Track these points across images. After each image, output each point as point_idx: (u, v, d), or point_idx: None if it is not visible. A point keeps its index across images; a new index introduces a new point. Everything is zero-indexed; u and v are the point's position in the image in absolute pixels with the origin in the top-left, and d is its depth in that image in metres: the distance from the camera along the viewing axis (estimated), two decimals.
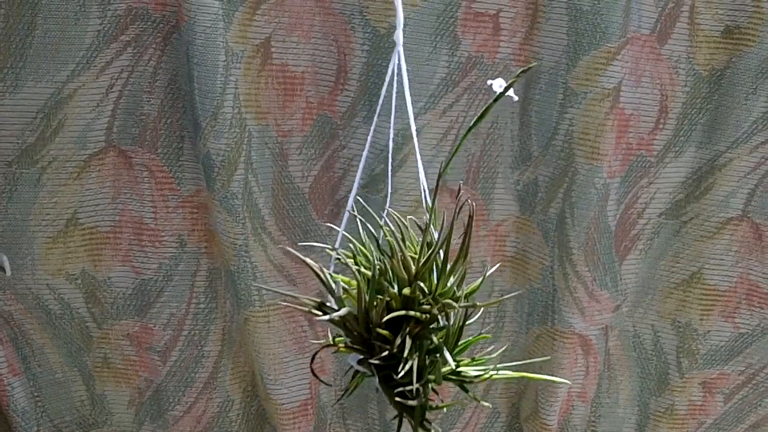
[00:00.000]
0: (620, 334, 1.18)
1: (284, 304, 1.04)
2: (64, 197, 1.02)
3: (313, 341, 1.10)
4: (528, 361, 1.12)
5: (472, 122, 0.67)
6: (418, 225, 0.68)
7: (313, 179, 1.07)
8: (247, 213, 1.03)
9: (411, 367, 0.62)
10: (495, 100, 0.66)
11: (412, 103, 1.03)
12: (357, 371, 0.66)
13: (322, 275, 0.65)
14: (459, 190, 0.68)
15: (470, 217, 0.64)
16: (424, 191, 0.71)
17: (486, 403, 0.67)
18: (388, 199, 0.80)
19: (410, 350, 0.62)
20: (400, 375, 0.62)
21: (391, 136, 0.80)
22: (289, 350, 1.10)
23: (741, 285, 1.15)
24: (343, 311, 0.63)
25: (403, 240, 0.66)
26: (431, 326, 0.63)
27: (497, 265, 1.10)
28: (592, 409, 1.20)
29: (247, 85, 1.01)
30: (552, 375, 1.13)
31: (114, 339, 1.09)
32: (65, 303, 1.07)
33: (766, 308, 1.16)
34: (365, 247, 0.67)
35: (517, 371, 0.67)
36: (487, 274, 0.67)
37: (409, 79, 1.02)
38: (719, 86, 1.08)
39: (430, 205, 0.67)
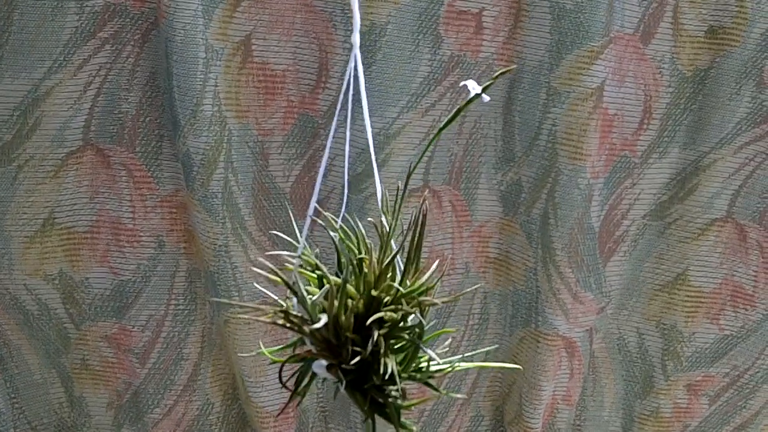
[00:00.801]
0: (605, 336, 1.17)
1: (245, 317, 1.03)
2: (41, 196, 1.01)
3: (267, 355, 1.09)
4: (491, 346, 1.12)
5: (443, 124, 0.67)
6: (375, 226, 0.67)
7: (295, 179, 1.06)
8: (227, 213, 1.02)
9: (388, 368, 0.61)
10: (468, 102, 0.65)
11: (393, 102, 1.03)
12: (299, 376, 0.65)
13: (297, 291, 0.63)
14: (398, 189, 0.66)
15: (423, 215, 0.64)
16: (383, 196, 0.70)
17: (459, 395, 0.66)
18: (343, 207, 0.78)
19: (384, 351, 0.61)
20: (385, 376, 0.61)
21: (348, 138, 0.78)
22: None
23: (726, 286, 1.15)
24: (323, 321, 0.62)
25: (368, 245, 0.65)
26: (399, 325, 0.62)
27: (439, 260, 1.09)
28: (576, 413, 1.19)
29: (227, 83, 1.00)
30: (536, 377, 1.12)
31: (92, 340, 1.08)
32: (43, 304, 1.05)
33: (750, 310, 1.15)
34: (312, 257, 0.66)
35: (492, 367, 0.66)
36: (434, 266, 0.66)
37: (390, 78, 1.02)
38: (703, 86, 1.08)
39: (398, 204, 0.66)
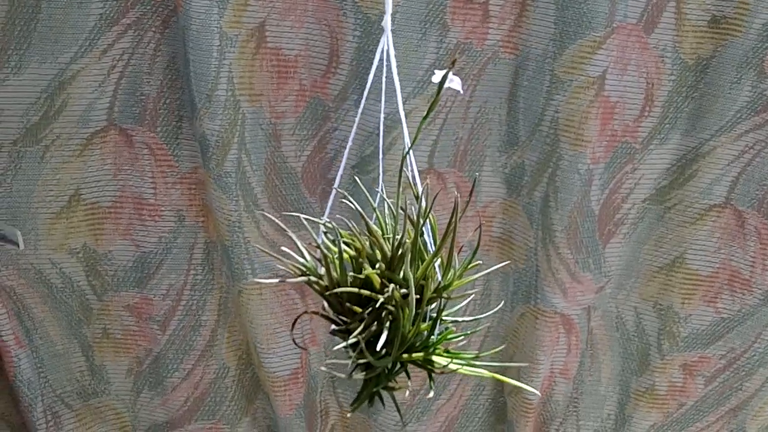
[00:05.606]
0: (603, 314, 1.21)
1: (273, 281, 1.08)
2: (66, 174, 1.06)
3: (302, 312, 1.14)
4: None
5: (426, 112, 0.70)
6: (392, 210, 0.71)
7: (306, 159, 1.10)
8: (240, 191, 1.07)
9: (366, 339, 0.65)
10: (439, 91, 0.68)
11: (400, 88, 1.06)
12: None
13: (304, 251, 0.68)
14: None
15: (455, 205, 0.67)
16: (414, 176, 0.73)
17: (430, 394, 0.71)
18: (381, 179, 0.81)
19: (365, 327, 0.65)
20: (380, 349, 0.65)
21: (382, 119, 0.81)
22: (281, 321, 1.14)
23: (723, 271, 1.17)
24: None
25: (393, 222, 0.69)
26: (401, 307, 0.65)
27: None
28: (574, 386, 1.23)
29: (241, 68, 1.04)
30: (534, 352, 1.16)
31: (114, 311, 1.14)
32: (66, 277, 1.11)
33: (747, 294, 1.18)
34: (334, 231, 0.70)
35: (495, 367, 0.70)
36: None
37: (397, 65, 1.05)
38: (705, 75, 1.09)
39: (416, 188, 0.70)
